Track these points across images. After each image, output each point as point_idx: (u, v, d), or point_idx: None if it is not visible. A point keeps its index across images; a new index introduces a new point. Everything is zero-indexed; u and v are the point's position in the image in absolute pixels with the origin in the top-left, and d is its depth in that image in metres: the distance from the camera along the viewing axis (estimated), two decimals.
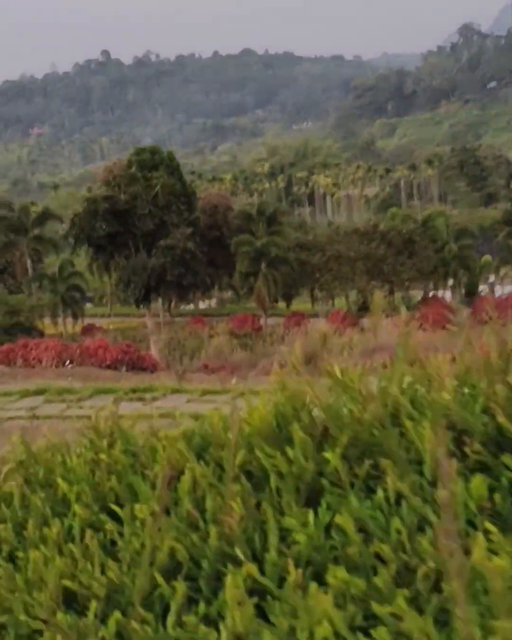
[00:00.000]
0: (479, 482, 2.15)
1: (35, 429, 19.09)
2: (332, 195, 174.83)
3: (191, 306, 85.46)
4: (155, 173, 64.27)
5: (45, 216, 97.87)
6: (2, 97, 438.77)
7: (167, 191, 63.98)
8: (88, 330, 63.58)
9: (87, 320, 71.86)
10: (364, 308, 59.18)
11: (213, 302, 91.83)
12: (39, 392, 21.97)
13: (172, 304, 76.82)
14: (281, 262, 68.74)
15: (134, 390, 21.42)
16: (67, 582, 2.46)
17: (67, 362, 26.41)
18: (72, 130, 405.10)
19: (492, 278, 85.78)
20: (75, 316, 74.27)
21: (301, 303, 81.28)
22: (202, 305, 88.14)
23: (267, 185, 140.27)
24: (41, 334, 57.25)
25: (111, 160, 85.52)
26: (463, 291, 79.35)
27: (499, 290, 78.43)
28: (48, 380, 24.77)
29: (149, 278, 62.56)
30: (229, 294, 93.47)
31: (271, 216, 71.82)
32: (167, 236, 63.28)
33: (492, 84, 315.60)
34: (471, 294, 75.50)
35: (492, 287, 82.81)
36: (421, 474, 2.25)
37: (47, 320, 67.53)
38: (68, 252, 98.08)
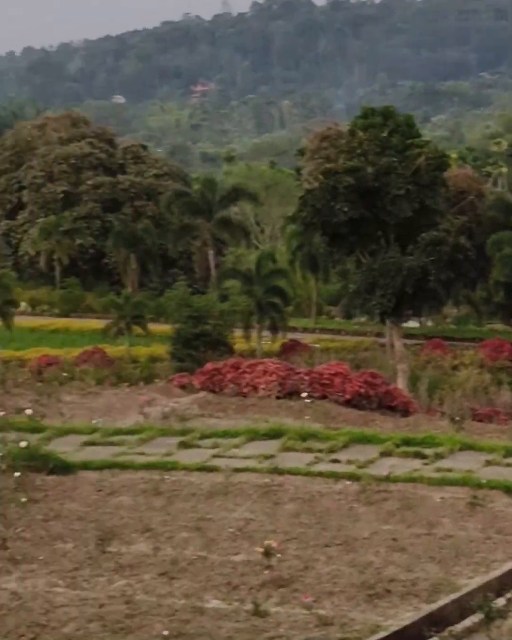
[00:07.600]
0: None
1: (278, 490, 15.48)
2: None
3: (412, 324, 67.31)
4: (408, 142, 50.52)
5: (236, 194, 79.26)
6: (159, 42, 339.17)
7: (432, 166, 50.55)
8: (291, 348, 54.61)
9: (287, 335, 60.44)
10: None
11: (434, 320, 76.53)
12: (271, 434, 18.29)
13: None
14: None
15: (406, 442, 17.35)
16: None
17: (305, 394, 21.74)
18: (245, 88, 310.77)
19: None
20: (274, 328, 59.61)
21: None
22: (413, 323, 69.42)
23: (504, 168, 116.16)
24: (230, 350, 48.76)
25: (299, 126, 73.19)
26: None
27: None
28: (270, 416, 20.73)
29: (405, 283, 47.89)
30: (456, 310, 78.53)
31: None
32: (431, 227, 50.63)
33: None
34: None
35: None
36: None
37: (237, 332, 56.04)
38: (264, 243, 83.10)
